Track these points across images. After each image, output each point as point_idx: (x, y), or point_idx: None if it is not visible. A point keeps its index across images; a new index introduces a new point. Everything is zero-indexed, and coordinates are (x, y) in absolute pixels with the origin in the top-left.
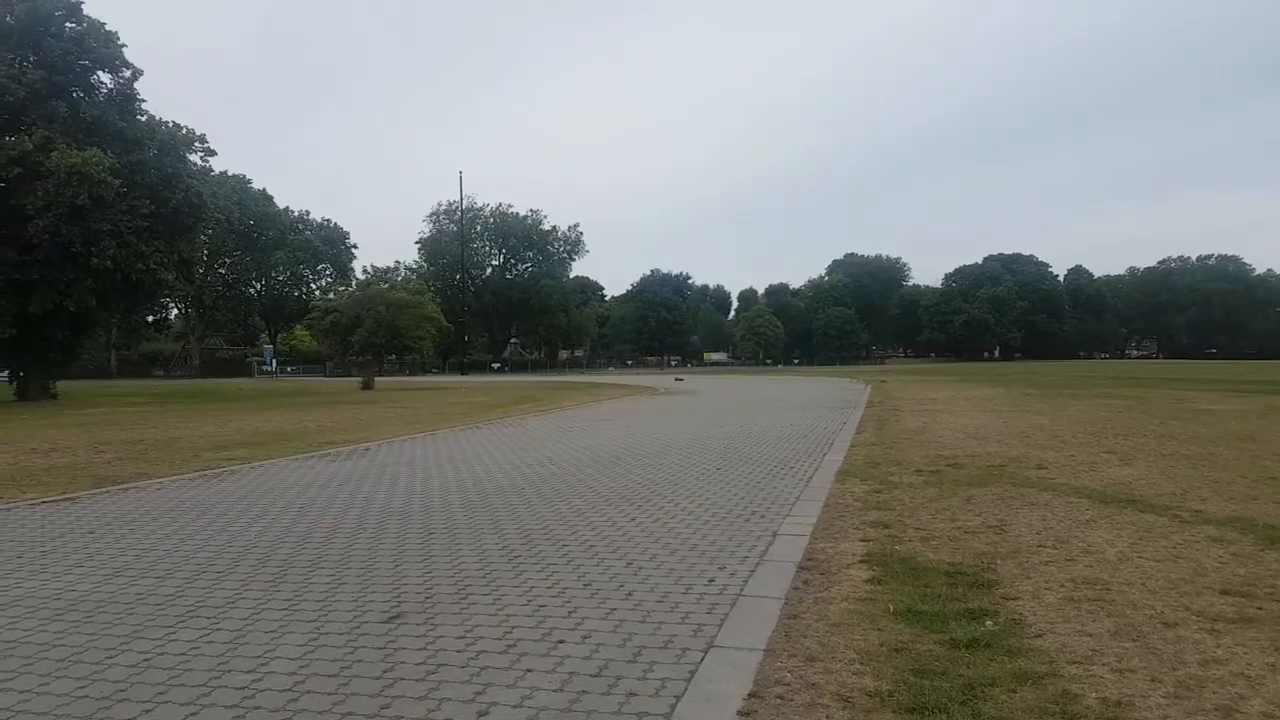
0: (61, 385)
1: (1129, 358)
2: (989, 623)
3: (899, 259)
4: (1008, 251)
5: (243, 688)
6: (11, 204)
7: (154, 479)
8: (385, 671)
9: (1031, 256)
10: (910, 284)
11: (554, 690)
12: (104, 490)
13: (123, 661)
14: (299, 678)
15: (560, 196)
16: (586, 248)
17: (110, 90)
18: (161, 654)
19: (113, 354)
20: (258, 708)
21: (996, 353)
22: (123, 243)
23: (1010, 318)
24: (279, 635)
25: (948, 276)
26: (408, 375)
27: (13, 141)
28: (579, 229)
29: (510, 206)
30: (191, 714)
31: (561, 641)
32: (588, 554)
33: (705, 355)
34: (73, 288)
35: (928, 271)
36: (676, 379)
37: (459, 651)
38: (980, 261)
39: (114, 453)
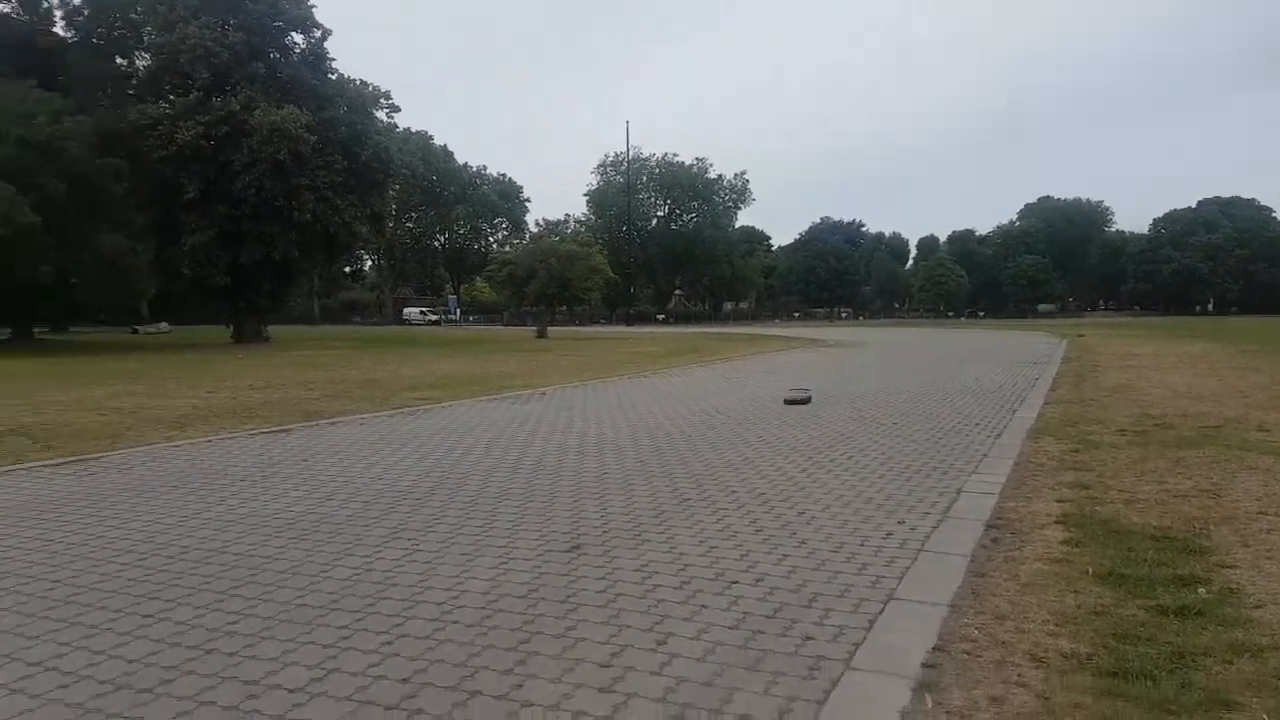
0: (271, 329)
1: None
2: (1201, 590)
3: (1100, 203)
4: (1224, 194)
5: (441, 603)
6: (221, 161)
7: (357, 414)
8: (569, 597)
9: (1252, 200)
10: (1113, 230)
11: (729, 627)
12: (314, 423)
13: (335, 575)
14: (491, 597)
15: (729, 144)
16: (753, 196)
17: (303, 50)
18: (369, 570)
19: (315, 301)
20: (455, 622)
21: (1210, 306)
22: (320, 197)
23: (1226, 268)
24: (472, 558)
25: (1156, 222)
26: (578, 325)
27: (220, 102)
28: (745, 177)
29: (676, 156)
30: (397, 624)
31: (735, 582)
32: (758, 501)
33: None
34: (277, 240)
35: (1133, 217)
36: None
37: (636, 584)
38: (1194, 206)
39: (321, 390)
